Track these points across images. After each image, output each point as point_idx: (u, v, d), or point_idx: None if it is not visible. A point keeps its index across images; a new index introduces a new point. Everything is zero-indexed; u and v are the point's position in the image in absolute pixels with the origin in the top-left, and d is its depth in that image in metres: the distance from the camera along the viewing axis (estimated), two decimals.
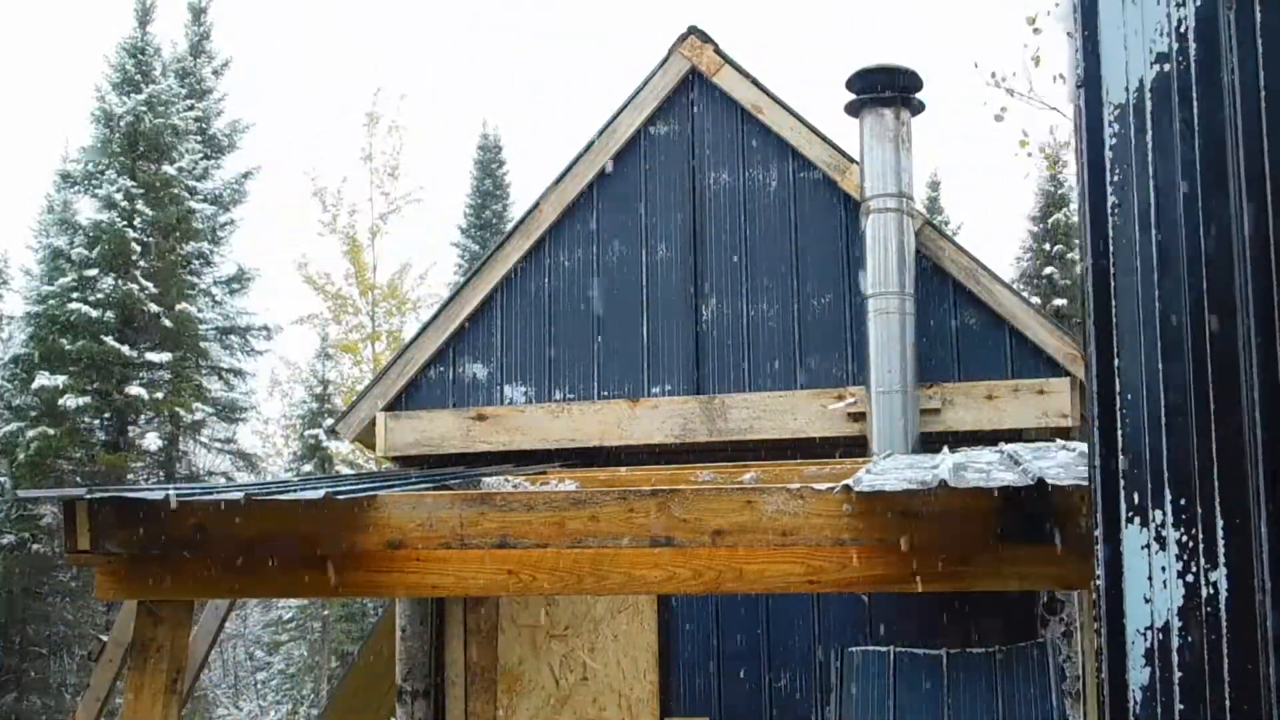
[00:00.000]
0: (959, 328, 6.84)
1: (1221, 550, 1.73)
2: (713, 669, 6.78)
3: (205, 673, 16.96)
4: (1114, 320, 1.88)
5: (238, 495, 3.96)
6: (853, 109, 6.88)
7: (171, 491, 3.93)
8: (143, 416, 18.34)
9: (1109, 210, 1.87)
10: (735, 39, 7.69)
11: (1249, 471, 1.67)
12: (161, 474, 18.54)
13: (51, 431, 16.74)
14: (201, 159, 20.47)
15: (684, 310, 7.23)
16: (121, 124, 18.77)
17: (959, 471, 3.90)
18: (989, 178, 54.89)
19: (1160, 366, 1.82)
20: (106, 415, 17.92)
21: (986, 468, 4.09)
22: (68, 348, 17.14)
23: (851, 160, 7.01)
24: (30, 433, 16.76)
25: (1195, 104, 1.83)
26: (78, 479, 17.08)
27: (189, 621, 4.58)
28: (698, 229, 7.31)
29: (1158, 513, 1.79)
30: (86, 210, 18.61)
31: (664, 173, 7.42)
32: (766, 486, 3.90)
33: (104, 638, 6.66)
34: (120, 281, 17.65)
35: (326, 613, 21.87)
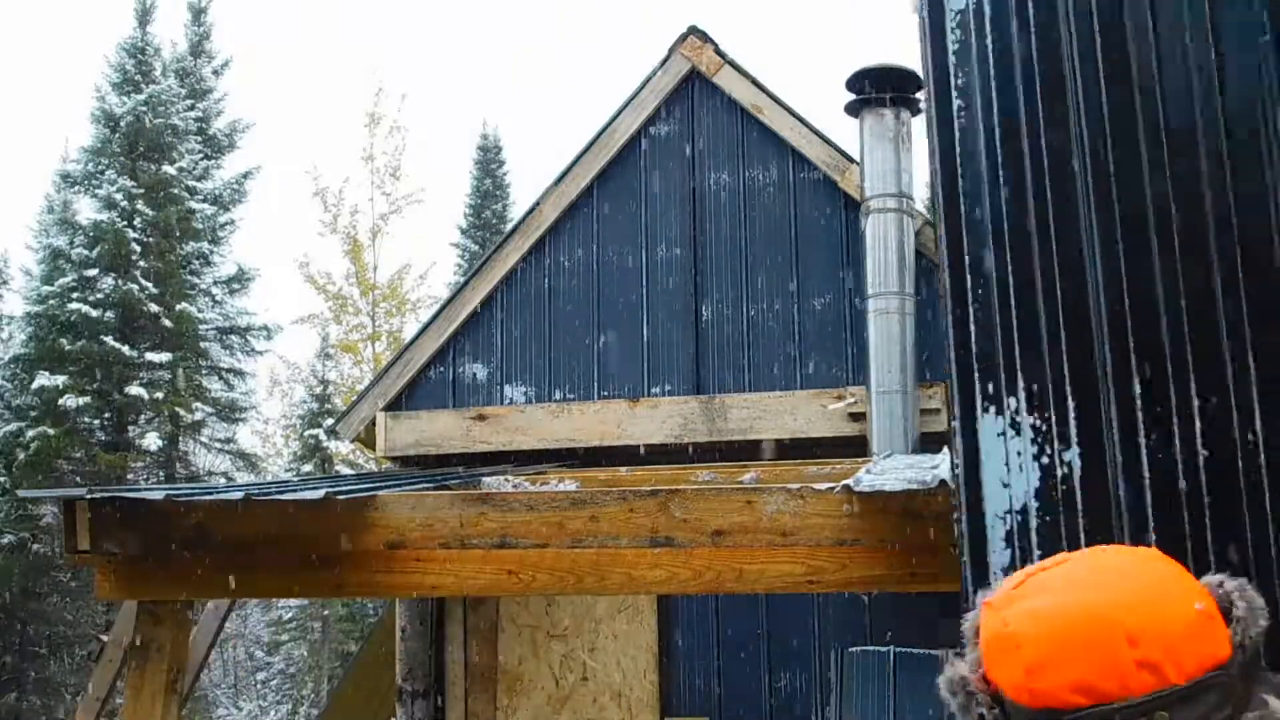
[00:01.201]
0: None
1: (1074, 431, 1.80)
2: (713, 669, 6.78)
3: (205, 673, 16.95)
4: (962, 215, 1.96)
5: (238, 495, 3.96)
6: (853, 109, 6.88)
7: (170, 491, 3.93)
8: (143, 416, 18.33)
9: (955, 112, 1.99)
10: (735, 39, 7.70)
11: (1095, 355, 1.75)
12: (161, 474, 18.53)
13: (51, 431, 16.72)
14: (201, 159, 20.45)
15: (684, 310, 7.23)
16: (121, 124, 18.76)
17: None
18: None
19: (1009, 258, 1.89)
20: (106, 415, 17.91)
21: None
22: (68, 348, 17.13)
23: (851, 160, 7.01)
24: (30, 433, 16.75)
25: (1031, 9, 1.97)
26: (78, 479, 17.07)
27: (189, 621, 4.58)
28: (698, 229, 7.31)
29: (1012, 400, 1.85)
30: (86, 210, 18.60)
31: (664, 173, 7.42)
32: (766, 486, 3.90)
33: (104, 638, 6.65)
34: (120, 281, 17.64)
35: (326, 613, 21.86)
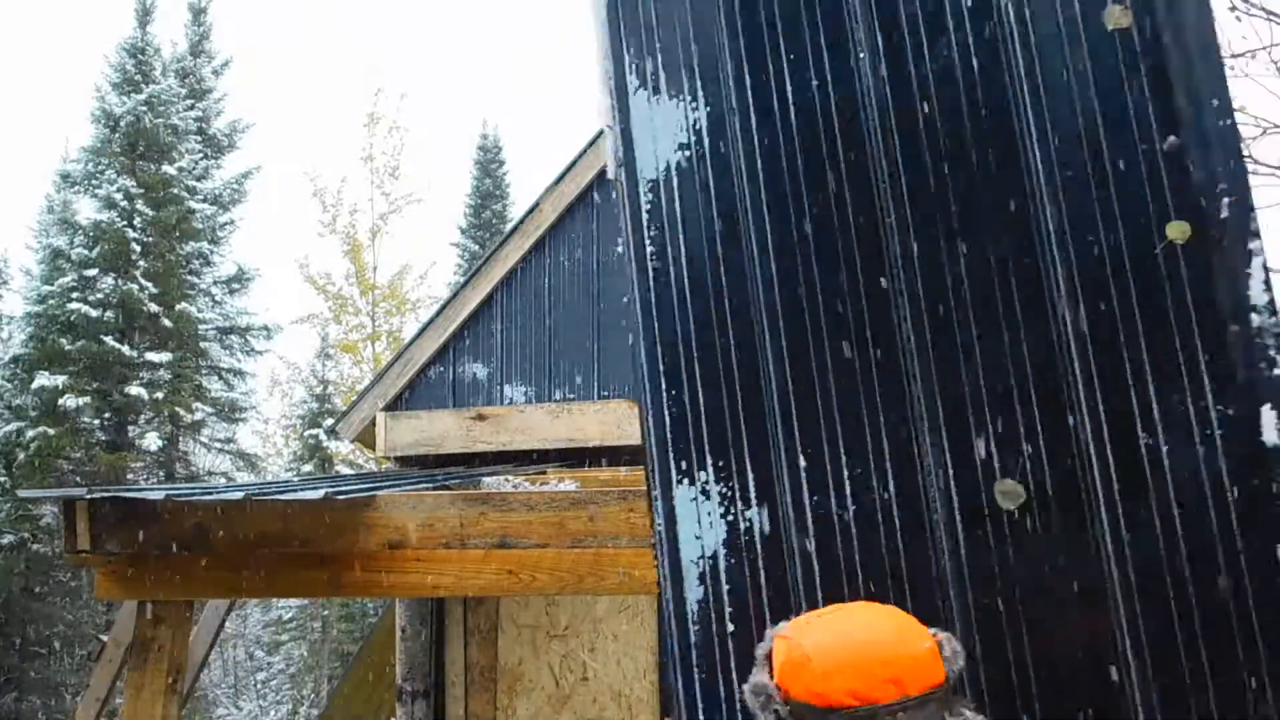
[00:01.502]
0: None
1: (754, 495, 2.44)
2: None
3: (205, 673, 16.95)
4: (657, 336, 2.54)
5: (238, 495, 3.97)
6: None
7: (170, 491, 3.93)
8: (143, 416, 18.33)
9: (649, 256, 2.59)
10: None
11: (770, 439, 2.44)
12: (161, 474, 18.52)
13: (51, 431, 16.72)
14: (201, 159, 20.44)
15: None
16: (121, 124, 18.75)
17: None
18: None
19: (697, 369, 2.51)
20: (106, 415, 17.90)
21: None
22: (68, 348, 17.12)
23: None
24: (30, 433, 16.74)
25: (710, 179, 2.61)
26: (78, 479, 17.07)
27: (189, 621, 4.58)
28: None
29: (702, 474, 2.47)
30: (86, 210, 18.58)
31: None
32: None
33: (104, 638, 6.65)
34: (120, 281, 17.63)
35: (326, 613, 21.87)
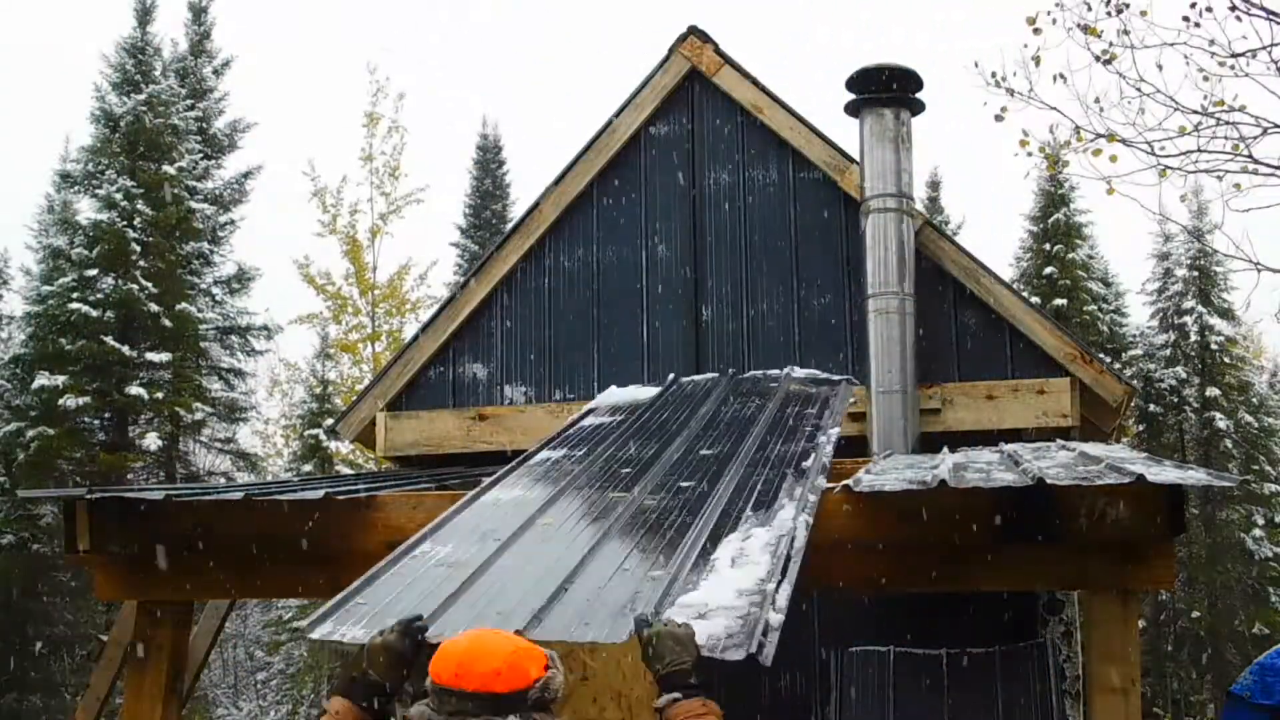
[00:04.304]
0: (959, 328, 6.84)
1: None
2: (712, 668, 6.76)
3: (205, 673, 16.93)
4: None
5: (238, 495, 3.97)
6: (853, 109, 6.87)
7: (170, 491, 3.93)
8: (143, 416, 18.31)
9: None
10: (735, 39, 7.69)
11: None
12: (161, 474, 18.50)
13: (51, 431, 16.69)
14: (202, 159, 20.40)
15: (684, 310, 7.22)
16: (121, 124, 18.73)
17: (959, 471, 3.89)
18: (989, 178, 54.93)
19: None
20: (106, 415, 17.88)
21: (986, 468, 4.09)
22: (68, 348, 17.09)
23: (851, 160, 7.00)
24: (30, 433, 16.72)
25: None
26: (78, 479, 17.04)
27: (189, 621, 4.58)
28: (698, 229, 7.31)
29: None
30: (86, 210, 18.56)
31: (664, 172, 7.42)
32: None
33: (104, 638, 6.64)
34: (120, 281, 17.60)
35: None
